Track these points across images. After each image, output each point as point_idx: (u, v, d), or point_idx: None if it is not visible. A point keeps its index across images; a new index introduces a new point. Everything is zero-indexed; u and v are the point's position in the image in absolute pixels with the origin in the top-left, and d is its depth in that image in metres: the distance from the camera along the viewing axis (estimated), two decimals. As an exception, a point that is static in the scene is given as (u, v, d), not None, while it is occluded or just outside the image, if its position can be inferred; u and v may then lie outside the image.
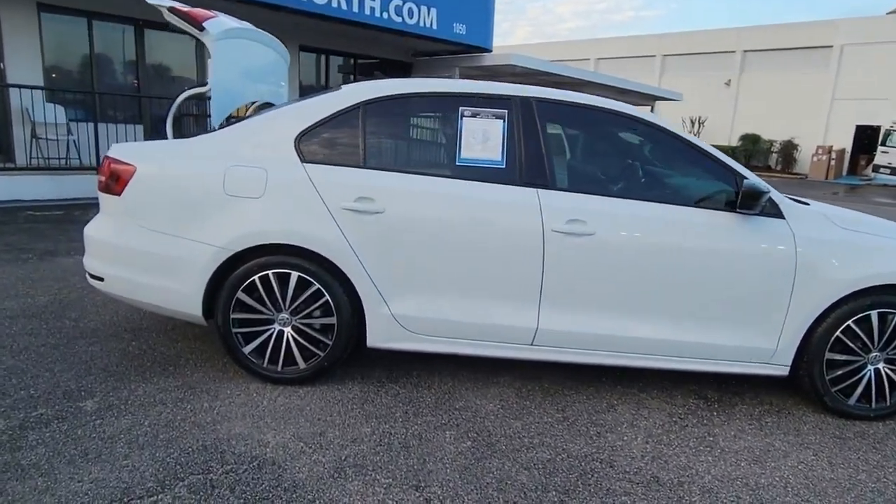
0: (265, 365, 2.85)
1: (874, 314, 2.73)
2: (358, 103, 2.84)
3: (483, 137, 2.80)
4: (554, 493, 2.17)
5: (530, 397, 2.91)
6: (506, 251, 2.70)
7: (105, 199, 2.89)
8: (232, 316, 2.80)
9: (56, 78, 9.15)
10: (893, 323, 2.74)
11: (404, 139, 2.97)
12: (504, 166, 2.77)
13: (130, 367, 2.97)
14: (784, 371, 2.83)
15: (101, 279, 2.92)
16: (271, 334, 2.83)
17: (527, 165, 2.76)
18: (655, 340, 2.77)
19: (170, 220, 2.77)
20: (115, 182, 2.83)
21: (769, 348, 2.79)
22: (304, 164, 2.76)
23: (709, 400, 3.01)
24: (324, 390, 2.85)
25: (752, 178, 2.76)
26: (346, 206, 2.70)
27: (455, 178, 2.75)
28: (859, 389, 2.82)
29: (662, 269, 2.71)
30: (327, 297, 2.76)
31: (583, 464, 2.37)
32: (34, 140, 8.49)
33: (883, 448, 2.63)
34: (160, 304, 2.86)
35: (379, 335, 2.81)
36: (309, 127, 2.81)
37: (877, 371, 2.81)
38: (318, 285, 2.74)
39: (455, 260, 2.72)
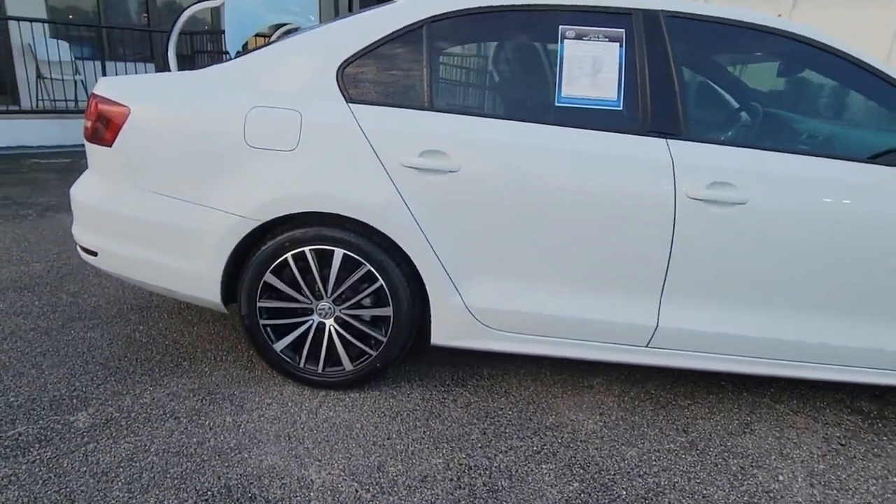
0: (302, 365, 2.24)
1: None
2: (421, 21, 2.09)
3: (592, 68, 2.05)
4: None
5: (637, 410, 2.28)
6: (621, 225, 2.01)
7: (93, 152, 2.23)
8: (259, 304, 2.18)
9: (60, 11, 8.39)
10: None
11: (485, 71, 2.25)
12: (621, 107, 2.04)
13: (136, 362, 2.39)
14: (981, 385, 2.15)
15: (94, 254, 2.31)
16: (309, 327, 2.21)
17: (653, 107, 2.02)
18: (822, 345, 2.09)
19: (176, 179, 2.11)
20: (105, 128, 2.16)
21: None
22: (351, 105, 2.06)
23: (867, 415, 2.35)
24: (376, 398, 2.24)
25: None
26: (408, 162, 2.01)
27: (554, 125, 2.03)
28: None
29: (843, 252, 2.00)
30: (381, 281, 2.11)
31: (733, 518, 1.75)
32: (39, 80, 7.84)
33: None
34: (169, 286, 2.25)
35: (447, 331, 2.17)
36: (356, 54, 2.09)
37: None
38: (369, 266, 2.10)
39: (552, 237, 2.04)
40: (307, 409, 2.14)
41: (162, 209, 2.14)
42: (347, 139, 2.03)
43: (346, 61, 2.08)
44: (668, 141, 2.01)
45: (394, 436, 2.03)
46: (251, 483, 1.77)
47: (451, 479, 1.84)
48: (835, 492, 1.89)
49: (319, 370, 2.24)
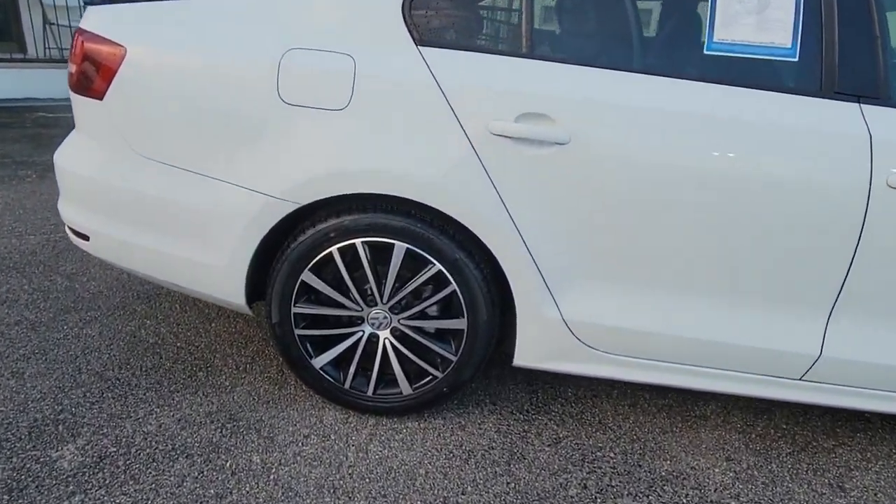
0: (348, 386, 1.77)
1: None
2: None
3: (758, 4, 1.48)
4: None
5: (772, 454, 1.79)
6: (789, 222, 1.47)
7: (81, 106, 1.72)
8: (295, 309, 1.69)
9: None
10: None
11: (601, 7, 1.67)
12: (797, 59, 1.47)
13: (140, 371, 1.93)
14: None
15: (85, 237, 1.82)
16: (359, 340, 1.73)
17: (841, 59, 1.46)
18: None
19: (186, 144, 1.60)
20: (94, 75, 1.64)
21: None
22: (422, 50, 1.51)
23: None
24: (440, 430, 1.77)
25: None
26: (500, 129, 1.47)
27: (701, 81, 1.48)
28: None
29: None
30: (454, 285, 1.61)
31: None
32: (46, 27, 7.28)
33: None
34: (179, 282, 1.76)
35: (536, 349, 1.68)
36: (428, -22, 1.54)
37: None
38: (439, 266, 1.59)
39: (691, 235, 1.51)
40: (355, 445, 1.68)
41: (168, 184, 1.64)
42: (417, 96, 1.49)
43: (415, -13, 1.53)
44: (863, 106, 1.45)
45: (469, 488, 1.56)
46: (289, 564, 1.32)
47: (554, 562, 1.37)
48: None
49: (369, 392, 1.76)
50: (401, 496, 1.51)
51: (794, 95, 1.45)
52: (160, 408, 1.77)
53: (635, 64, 1.51)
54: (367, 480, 1.56)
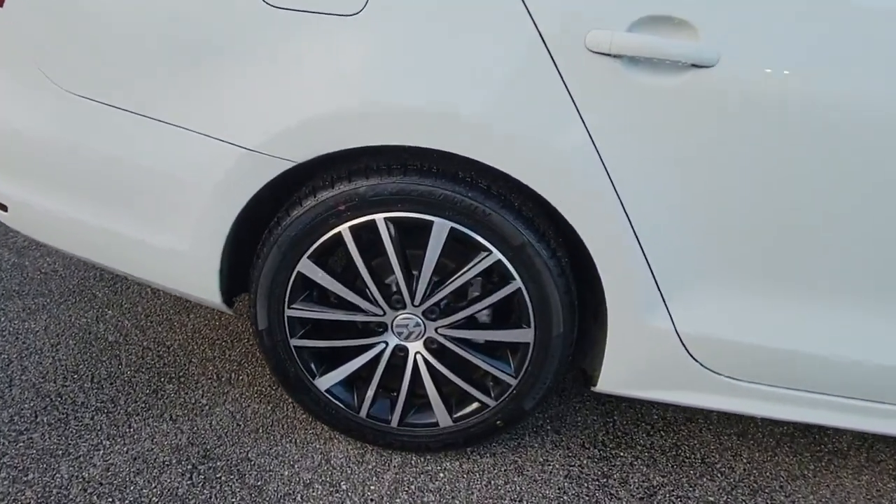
0: (363, 414, 1.29)
1: None
2: None
3: None
4: None
5: (946, 511, 1.30)
6: None
7: None
8: (289, 312, 1.20)
9: None
10: None
11: None
12: None
13: (90, 384, 1.46)
14: None
15: (2, 207, 1.33)
16: (379, 355, 1.24)
17: None
18: None
19: (129, 73, 1.08)
20: (-12, -32, 1.12)
21: None
22: (477, -83, 0.97)
23: None
24: (489, 473, 1.29)
25: None
26: (605, 44, 0.93)
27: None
28: None
29: None
30: (519, 281, 1.10)
31: None
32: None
33: None
34: (131, 270, 1.27)
35: (630, 372, 1.17)
36: None
37: None
38: (497, 254, 1.08)
39: (886, 214, 0.99)
40: (374, 500, 1.21)
41: (105, 132, 1.13)
42: (472, -9, 0.96)
43: None
44: None
45: (539, 573, 1.09)
46: None
47: None
48: None
49: (394, 423, 1.28)
50: (442, 588, 1.05)
51: None
52: (110, 440, 1.30)
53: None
54: (394, 560, 1.09)
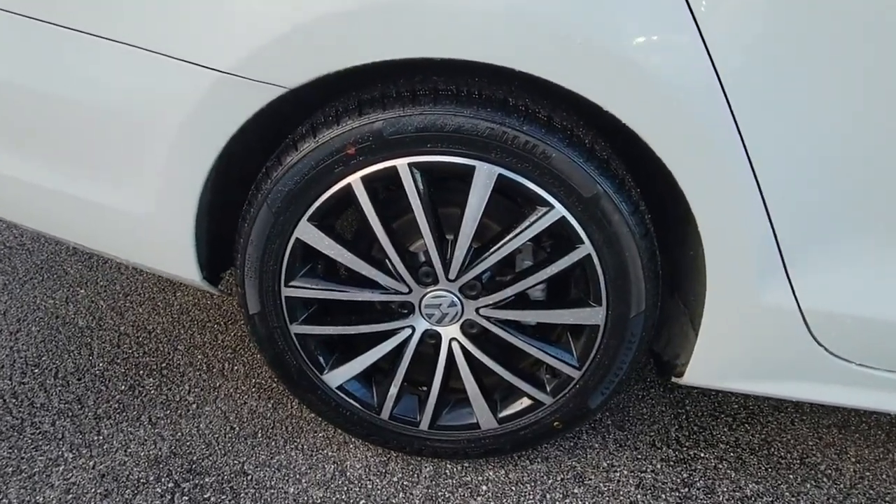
0: (385, 416, 1.03)
1: None
2: None
3: None
4: None
5: None
6: None
7: None
8: (287, 291, 0.93)
9: None
10: None
11: None
12: None
13: (54, 380, 1.21)
14: None
15: None
16: (404, 342, 0.98)
17: None
18: None
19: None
20: None
21: None
22: None
23: None
24: (542, 483, 1.04)
25: None
26: None
27: None
28: None
29: None
30: (589, 246, 0.83)
31: None
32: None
33: None
34: (81, 240, 1.01)
35: (731, 360, 0.91)
36: None
37: None
38: (561, 210, 0.81)
39: None
40: (402, 524, 0.96)
41: (36, 56, 0.85)
42: None
43: None
44: None
45: None
46: None
47: None
48: None
49: (424, 426, 1.03)
50: None
51: None
52: (74, 451, 1.06)
53: None
54: None
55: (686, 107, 0.72)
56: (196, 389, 1.21)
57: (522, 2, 0.68)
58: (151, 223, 0.91)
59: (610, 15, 0.68)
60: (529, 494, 1.03)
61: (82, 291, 1.50)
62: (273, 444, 1.10)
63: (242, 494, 1.00)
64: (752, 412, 1.23)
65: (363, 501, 1.00)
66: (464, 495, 1.02)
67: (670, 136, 0.74)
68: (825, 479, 1.09)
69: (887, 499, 1.06)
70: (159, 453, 1.06)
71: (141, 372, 1.25)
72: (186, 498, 0.99)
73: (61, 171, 0.91)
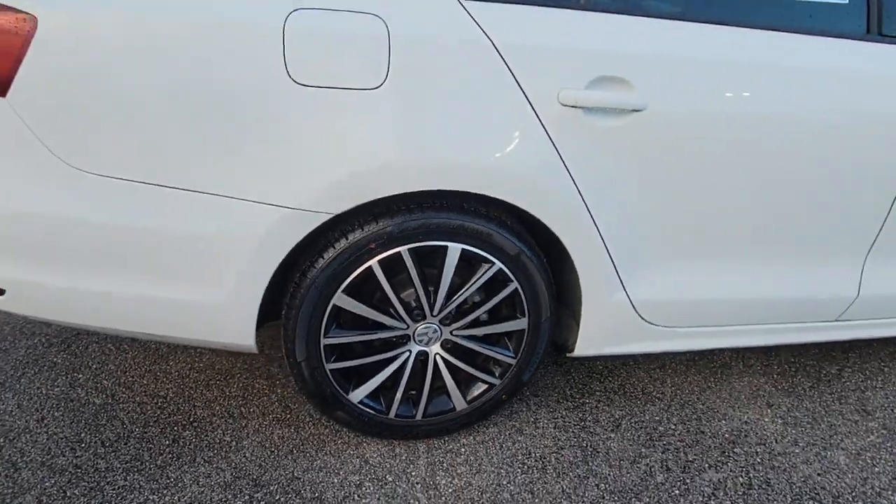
0: (392, 415, 1.50)
1: None
2: None
3: (810, -61, 1.38)
4: None
5: (797, 390, 1.86)
6: (842, 172, 1.44)
7: None
8: (325, 341, 1.36)
9: None
10: None
11: None
12: (846, 1, 1.41)
13: (103, 448, 1.47)
14: None
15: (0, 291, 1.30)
16: (405, 362, 1.46)
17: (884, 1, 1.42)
18: None
19: (155, 148, 1.16)
20: (-17, 60, 1.11)
21: None
22: (463, 3, 1.21)
23: None
24: (499, 440, 1.58)
25: None
26: (572, 98, 1.24)
27: (761, 29, 1.36)
28: None
29: None
30: (515, 283, 1.39)
31: None
32: None
33: None
34: (158, 330, 1.33)
35: (599, 336, 1.53)
36: None
37: None
38: (499, 265, 1.36)
39: (762, 197, 1.42)
40: (419, 482, 1.44)
41: (131, 206, 1.19)
42: (472, 63, 1.20)
43: (445, -81, 1.20)
44: (904, 47, 1.44)
45: (564, 502, 1.41)
46: None
47: (686, 563, 1.29)
48: None
49: (419, 417, 1.51)
50: (501, 532, 1.33)
51: (848, 39, 1.40)
52: (156, 493, 1.36)
53: (698, 13, 1.35)
54: (456, 523, 1.35)
55: (557, 197, 1.31)
56: (229, 431, 1.56)
57: (463, 156, 1.21)
58: (224, 311, 1.28)
59: (516, 160, 1.25)
60: (492, 447, 1.56)
61: (81, 376, 1.72)
62: (307, 454, 1.50)
63: (302, 491, 1.40)
64: (610, 368, 1.90)
65: (388, 476, 1.45)
66: (452, 457, 1.52)
67: (551, 213, 1.32)
68: (657, 399, 1.78)
69: (690, 402, 1.77)
70: (225, 480, 1.41)
71: (176, 428, 1.56)
72: (264, 502, 1.36)
73: (152, 282, 1.25)
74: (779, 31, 1.35)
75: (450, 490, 1.42)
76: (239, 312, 1.29)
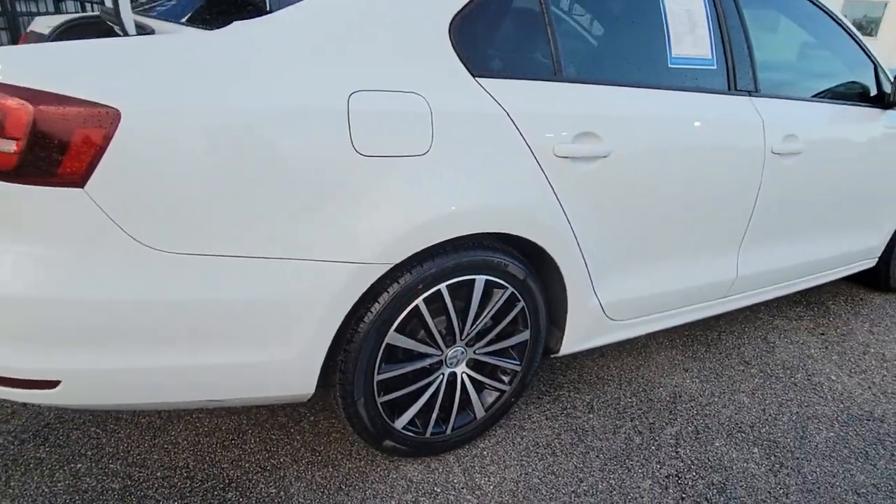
0: (427, 434, 1.68)
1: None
2: (529, -43, 1.58)
3: (689, 25, 1.88)
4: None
5: (702, 355, 2.41)
6: (725, 187, 1.98)
7: (31, 200, 1.13)
8: (377, 377, 1.51)
9: None
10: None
11: (603, 23, 1.81)
12: (715, 66, 1.94)
13: None
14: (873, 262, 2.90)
15: (51, 385, 1.23)
16: (439, 385, 1.65)
17: (735, 63, 1.98)
18: (830, 257, 2.52)
19: (231, 223, 1.23)
20: (61, 154, 1.10)
21: (880, 244, 2.79)
22: (480, 81, 1.47)
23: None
24: (510, 438, 1.84)
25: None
26: (564, 151, 1.57)
27: (673, 90, 1.82)
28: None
29: (848, 180, 2.38)
30: (522, 303, 1.68)
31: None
32: None
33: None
34: (221, 395, 1.37)
35: (577, 336, 1.88)
36: (466, 5, 1.48)
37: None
38: (510, 289, 1.64)
39: (678, 211, 1.89)
40: (466, 486, 1.64)
41: (204, 278, 1.25)
42: (493, 129, 1.47)
43: (459, 14, 1.46)
44: (751, 98, 2.02)
45: (581, 475, 1.72)
46: None
47: (680, 495, 1.67)
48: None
49: (448, 431, 1.72)
50: (546, 509, 1.60)
51: (718, 94, 1.94)
52: (233, 555, 1.39)
53: (639, 79, 1.76)
54: (509, 511, 1.58)
55: (556, 229, 1.63)
56: (271, 483, 1.60)
57: (496, 205, 1.48)
58: (293, 365, 1.38)
59: (529, 202, 1.54)
60: (508, 445, 1.82)
61: (81, 465, 1.62)
62: (357, 487, 1.61)
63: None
64: (564, 363, 2.27)
65: (437, 489, 1.63)
66: (481, 459, 1.75)
67: (552, 243, 1.64)
68: (610, 381, 2.18)
69: (639, 380, 2.20)
70: (293, 526, 1.48)
71: (216, 492, 1.56)
72: (341, 536, 1.46)
73: (220, 349, 1.30)
74: (680, 91, 1.83)
75: (490, 487, 1.65)
76: (308, 365, 1.40)
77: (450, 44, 1.45)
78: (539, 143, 1.54)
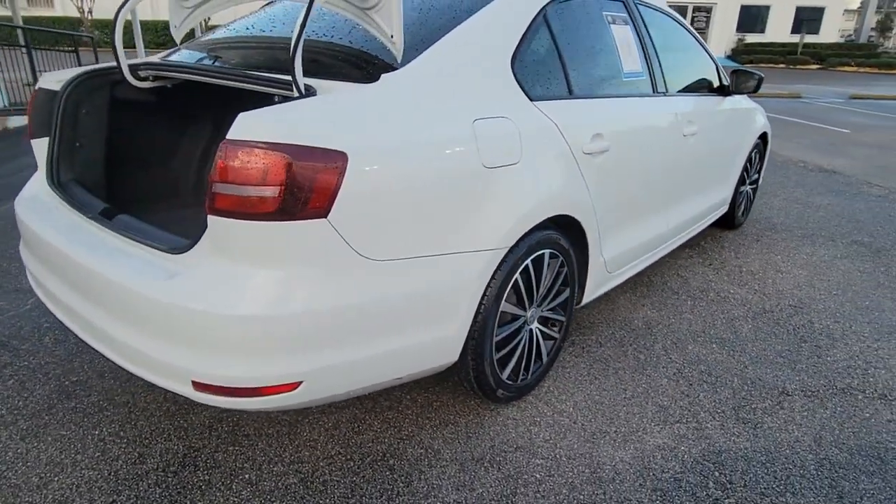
0: (518, 381, 2.13)
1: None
2: (542, 7, 2.10)
3: (629, 49, 2.55)
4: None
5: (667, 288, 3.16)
6: (662, 162, 2.71)
7: (281, 234, 1.36)
8: (496, 338, 1.93)
9: None
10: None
11: (588, 53, 2.33)
12: (645, 77, 2.65)
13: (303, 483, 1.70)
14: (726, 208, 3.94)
15: (293, 386, 1.46)
16: (525, 340, 2.11)
17: (654, 73, 2.72)
18: (708, 207, 3.42)
19: (419, 232, 1.58)
20: (309, 193, 1.36)
21: (730, 193, 3.81)
22: (535, 104, 1.96)
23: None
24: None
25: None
26: (587, 149, 2.13)
27: (629, 97, 2.48)
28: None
29: (718, 148, 3.29)
30: (567, 268, 2.21)
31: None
32: None
33: (769, 238, 4.12)
34: (410, 370, 1.70)
35: (591, 289, 2.46)
36: (518, 46, 1.95)
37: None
38: (561, 258, 2.16)
39: (643, 182, 2.57)
40: (555, 411, 2.13)
41: (407, 276, 1.59)
42: (551, 140, 1.97)
43: (514, 55, 1.93)
44: (667, 98, 2.78)
45: (623, 392, 2.31)
46: (656, 474, 1.86)
47: (687, 382, 2.34)
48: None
49: (529, 377, 2.19)
50: (604, 440, 2.16)
51: (651, 97, 2.65)
52: (415, 499, 1.72)
53: (612, 91, 2.37)
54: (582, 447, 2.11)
55: (587, 206, 2.19)
56: (414, 445, 1.93)
57: (562, 193, 1.99)
58: (455, 337, 1.75)
59: (574, 189, 2.08)
60: (561, 379, 2.34)
61: (248, 475, 1.79)
62: (477, 427, 2.01)
63: (482, 447, 1.94)
64: (576, 316, 2.85)
65: (529, 417, 2.09)
66: (551, 393, 2.24)
67: (585, 217, 2.19)
68: (598, 325, 2.81)
69: (617, 319, 2.86)
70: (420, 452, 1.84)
71: (376, 463, 1.85)
72: (468, 473, 1.86)
73: (412, 332, 1.64)
74: (633, 97, 2.51)
75: (570, 408, 2.17)
76: (461, 335, 1.78)
77: (513, 77, 1.92)
78: (575, 145, 2.08)
